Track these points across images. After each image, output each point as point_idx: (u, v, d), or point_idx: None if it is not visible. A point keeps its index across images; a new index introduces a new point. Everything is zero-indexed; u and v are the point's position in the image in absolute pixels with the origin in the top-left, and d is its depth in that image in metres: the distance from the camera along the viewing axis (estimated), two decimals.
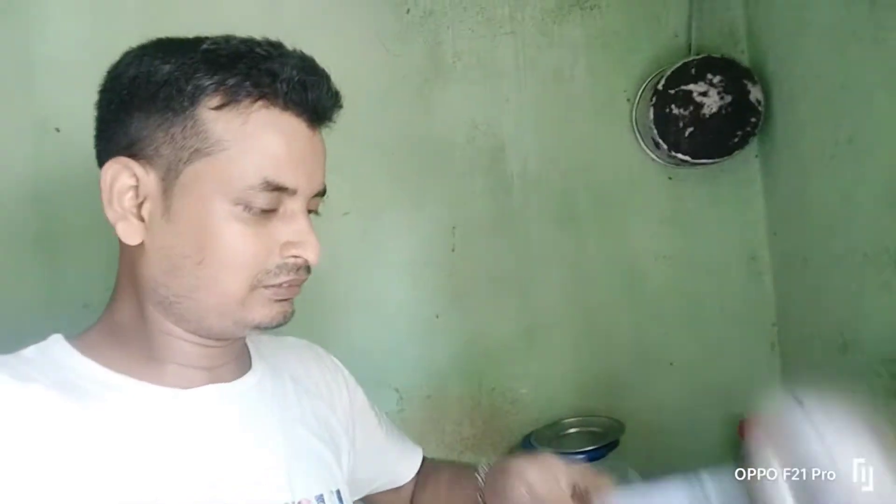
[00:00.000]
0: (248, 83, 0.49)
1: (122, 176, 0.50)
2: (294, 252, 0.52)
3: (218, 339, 0.55)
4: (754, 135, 1.00)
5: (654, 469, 1.00)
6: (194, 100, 0.49)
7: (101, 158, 0.51)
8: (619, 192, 1.09)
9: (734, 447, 1.06)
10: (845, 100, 0.84)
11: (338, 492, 0.61)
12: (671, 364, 1.09)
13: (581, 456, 0.96)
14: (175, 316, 0.53)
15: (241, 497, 0.53)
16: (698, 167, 1.02)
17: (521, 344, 1.12)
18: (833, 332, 0.86)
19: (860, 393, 0.78)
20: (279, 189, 0.50)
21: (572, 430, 1.04)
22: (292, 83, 0.50)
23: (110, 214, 0.50)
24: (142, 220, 0.50)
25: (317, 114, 0.53)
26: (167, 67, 0.49)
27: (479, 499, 0.68)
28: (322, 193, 0.55)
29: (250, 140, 0.50)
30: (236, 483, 0.53)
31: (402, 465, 0.76)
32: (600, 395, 1.09)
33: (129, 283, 0.54)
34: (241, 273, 0.51)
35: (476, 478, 0.70)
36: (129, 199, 0.50)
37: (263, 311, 0.53)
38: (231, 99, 0.49)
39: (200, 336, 0.54)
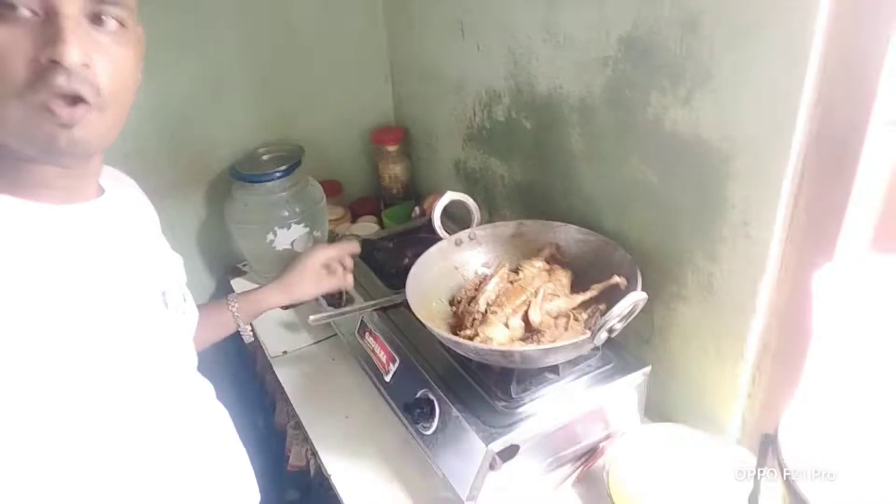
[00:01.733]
0: None
1: None
2: (47, 54, 0.48)
3: (59, 160, 0.55)
4: None
5: (325, 173, 1.46)
6: None
7: None
8: None
9: (370, 149, 1.57)
10: None
11: (183, 280, 0.75)
12: (325, 97, 1.47)
13: (278, 174, 1.33)
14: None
15: (126, 293, 0.60)
16: None
17: (208, 96, 1.34)
18: (427, 69, 1.34)
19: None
20: None
21: (266, 157, 1.37)
22: None
23: None
24: None
25: None
26: None
27: (234, 318, 0.93)
28: (111, 2, 0.52)
29: None
30: (121, 284, 0.60)
31: None
32: (280, 128, 1.42)
33: None
34: (2, 84, 0.49)
35: (225, 305, 0.93)
36: None
37: (42, 132, 0.51)
38: None
39: (38, 164, 0.54)
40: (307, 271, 1.00)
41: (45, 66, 0.49)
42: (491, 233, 1.01)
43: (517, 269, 0.95)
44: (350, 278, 1.03)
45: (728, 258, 0.79)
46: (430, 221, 1.31)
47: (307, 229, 1.35)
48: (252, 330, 1.02)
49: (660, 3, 0.76)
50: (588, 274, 0.94)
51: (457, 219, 1.10)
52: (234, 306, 0.95)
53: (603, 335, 0.73)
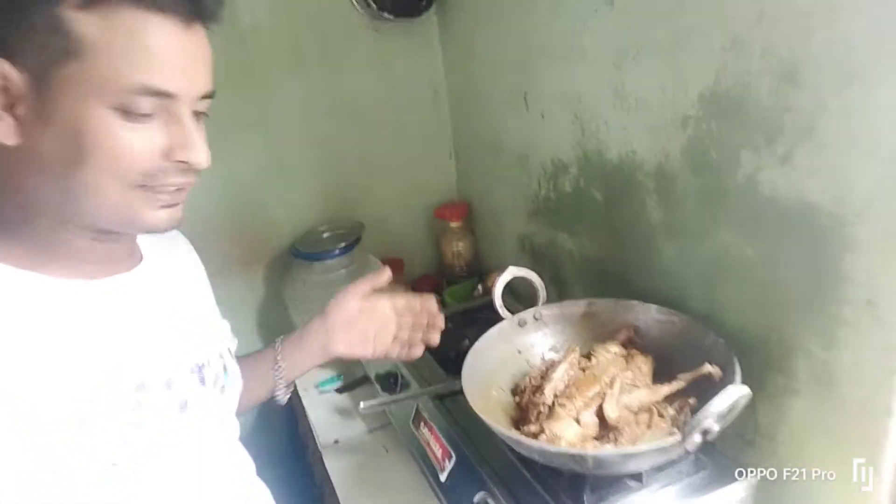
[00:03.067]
0: None
1: None
2: (180, 157, 0.52)
3: (110, 235, 0.56)
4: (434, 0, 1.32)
5: (386, 250, 1.42)
6: None
7: None
8: (338, 44, 1.32)
9: (432, 225, 1.53)
10: None
11: (228, 349, 0.72)
12: (387, 174, 1.45)
13: (337, 252, 1.30)
14: (63, 216, 0.52)
15: (157, 370, 0.58)
16: (397, 23, 1.31)
17: (272, 175, 1.35)
18: (489, 142, 1.31)
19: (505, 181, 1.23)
20: (157, 94, 0.49)
21: (326, 235, 1.35)
22: None
23: None
24: (17, 119, 0.48)
25: (194, 13, 0.51)
26: None
27: (277, 361, 0.79)
28: (210, 95, 0.55)
29: (121, 43, 0.47)
30: (151, 361, 0.58)
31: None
32: (341, 205, 1.41)
33: (9, 183, 0.51)
34: (122, 178, 0.50)
35: (272, 347, 0.81)
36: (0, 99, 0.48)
37: (151, 215, 0.53)
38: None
39: (94, 232, 0.54)
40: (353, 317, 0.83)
41: (174, 164, 0.52)
42: (558, 313, 0.91)
43: (589, 354, 0.84)
44: (419, 349, 0.86)
45: (851, 345, 0.65)
46: (491, 300, 1.23)
47: None
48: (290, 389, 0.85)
49: (747, 53, 0.67)
50: (672, 361, 0.81)
51: (522, 297, 1.01)
52: (279, 365, 0.82)
53: (696, 438, 0.60)
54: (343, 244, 1.30)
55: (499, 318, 0.91)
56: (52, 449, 0.49)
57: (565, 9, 0.94)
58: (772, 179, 0.68)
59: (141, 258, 0.64)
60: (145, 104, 0.50)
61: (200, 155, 0.53)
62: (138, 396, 0.55)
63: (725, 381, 0.71)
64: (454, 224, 1.44)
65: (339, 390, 1.24)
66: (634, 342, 0.85)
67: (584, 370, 0.79)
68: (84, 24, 0.47)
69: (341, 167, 1.41)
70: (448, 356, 1.04)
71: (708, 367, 0.73)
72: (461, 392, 0.90)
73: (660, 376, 0.81)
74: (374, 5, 1.25)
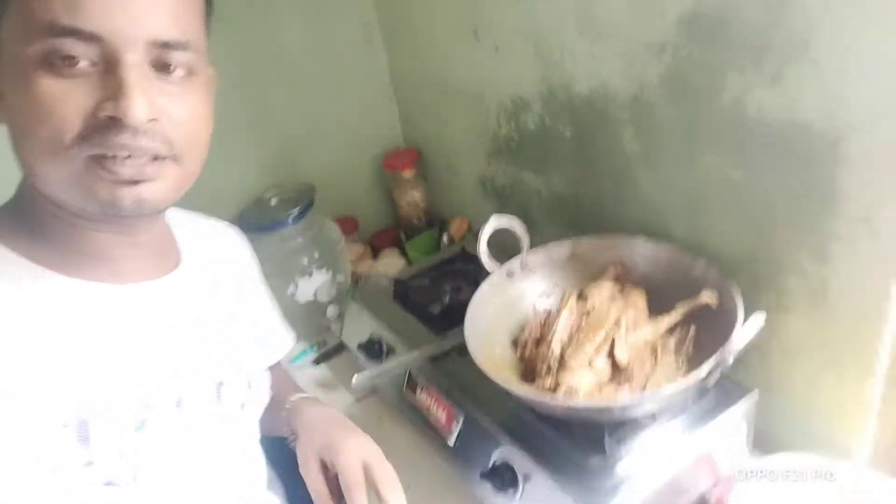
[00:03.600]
0: None
1: None
2: (108, 110, 0.44)
3: (112, 224, 0.52)
4: None
5: (339, 210, 1.35)
6: None
7: None
8: None
9: (383, 177, 1.45)
10: None
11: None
12: (327, 127, 1.35)
13: (290, 220, 1.21)
14: (52, 200, 0.49)
15: (169, 387, 0.55)
16: None
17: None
18: (435, 83, 1.23)
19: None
20: (75, 34, 0.43)
21: (274, 202, 1.26)
22: None
23: None
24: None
25: None
26: None
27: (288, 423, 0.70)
28: (181, 46, 0.47)
29: None
30: (164, 378, 0.55)
31: (278, 342, 0.81)
32: (285, 167, 1.31)
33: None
34: (57, 143, 0.44)
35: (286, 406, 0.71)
36: None
37: (107, 192, 0.46)
38: None
39: (95, 221, 0.51)
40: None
41: (103, 122, 0.44)
42: (544, 258, 0.89)
43: (580, 293, 0.83)
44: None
45: (846, 259, 0.66)
46: (462, 250, 1.20)
47: (329, 274, 1.23)
48: None
49: None
50: (663, 291, 0.81)
51: (493, 245, 0.98)
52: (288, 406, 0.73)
53: (717, 374, 0.60)
54: (296, 210, 1.21)
55: (473, 267, 0.89)
56: (51, 449, 0.47)
57: None
58: (759, 100, 0.67)
59: (178, 263, 0.60)
60: (67, 47, 0.43)
61: (129, 106, 0.44)
62: (145, 415, 0.53)
63: (724, 306, 0.72)
64: (406, 173, 1.38)
65: (316, 361, 1.19)
66: (624, 277, 0.84)
67: (583, 314, 0.78)
68: None
69: (279, 125, 1.30)
70: (430, 313, 1.02)
71: (706, 296, 0.73)
72: (454, 350, 0.89)
73: (652, 307, 0.81)
74: None
